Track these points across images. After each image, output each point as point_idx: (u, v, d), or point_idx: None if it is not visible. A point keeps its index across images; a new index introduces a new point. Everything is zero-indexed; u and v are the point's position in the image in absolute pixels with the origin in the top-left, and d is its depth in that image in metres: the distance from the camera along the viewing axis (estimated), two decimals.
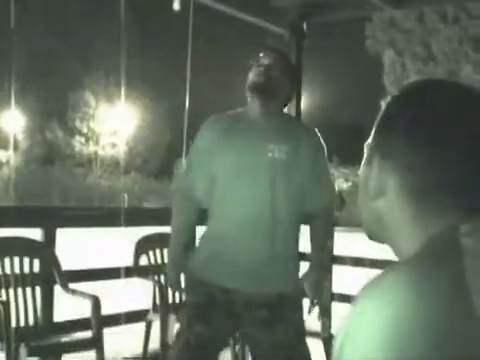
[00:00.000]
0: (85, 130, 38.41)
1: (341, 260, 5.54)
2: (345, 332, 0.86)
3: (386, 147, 0.99)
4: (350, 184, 28.76)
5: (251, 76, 2.88)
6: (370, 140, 1.05)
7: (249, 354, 3.38)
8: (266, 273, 2.83)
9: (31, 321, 3.97)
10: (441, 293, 0.83)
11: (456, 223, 0.92)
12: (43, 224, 4.36)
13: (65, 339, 3.99)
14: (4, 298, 3.78)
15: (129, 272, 4.64)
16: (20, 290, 3.93)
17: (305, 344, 2.94)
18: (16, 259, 3.95)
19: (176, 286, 3.16)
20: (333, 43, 37.15)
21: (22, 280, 3.96)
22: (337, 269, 5.52)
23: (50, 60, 37.44)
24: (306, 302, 2.99)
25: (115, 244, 10.70)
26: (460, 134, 0.95)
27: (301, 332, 2.94)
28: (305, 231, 3.08)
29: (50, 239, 4.34)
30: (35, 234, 4.26)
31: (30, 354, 3.63)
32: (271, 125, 2.89)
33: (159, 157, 39.15)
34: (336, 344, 0.87)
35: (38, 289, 4.07)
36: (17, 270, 3.95)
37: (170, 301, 4.52)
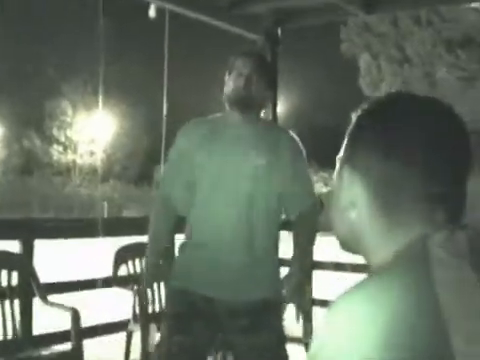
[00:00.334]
0: (63, 138, 38.20)
1: (321, 265, 5.56)
2: (318, 343, 0.87)
3: (356, 160, 1.00)
4: (329, 188, 28.83)
5: (230, 87, 2.86)
6: (341, 152, 1.05)
7: None
8: (247, 280, 2.82)
9: (10, 334, 3.93)
10: (411, 309, 0.84)
11: (427, 234, 0.93)
12: (21, 236, 4.32)
13: (45, 352, 3.95)
14: None
15: (108, 282, 4.62)
16: None
17: (285, 350, 2.94)
18: None
19: (147, 294, 3.15)
20: (309, 47, 37.30)
21: (0, 293, 3.92)
22: (317, 274, 5.53)
23: (26, 68, 37.20)
24: (291, 308, 2.98)
25: (94, 254, 10.65)
26: (430, 147, 0.96)
27: (282, 338, 2.94)
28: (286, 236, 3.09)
29: (28, 251, 4.31)
30: (13, 246, 4.23)
31: None
32: (251, 132, 2.88)
33: (138, 164, 39.04)
34: (309, 354, 0.88)
35: (16, 302, 4.04)
36: None
37: (150, 311, 4.51)
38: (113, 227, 5.12)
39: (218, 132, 2.91)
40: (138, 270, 4.66)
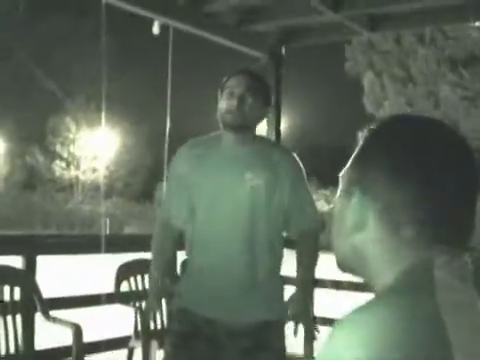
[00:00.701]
0: (66, 155, 38.23)
1: (323, 283, 5.54)
2: None
3: (366, 182, 1.00)
4: (331, 206, 28.76)
5: (223, 107, 2.81)
6: (348, 172, 1.05)
7: None
8: (248, 302, 2.81)
9: (12, 349, 3.92)
10: (416, 331, 0.84)
11: (431, 256, 0.93)
12: (23, 251, 4.33)
13: None
14: None
15: (110, 299, 4.61)
16: (0, 318, 3.89)
17: None
18: None
19: (155, 309, 3.15)
20: (312, 65, 37.42)
21: (2, 308, 3.92)
22: (319, 292, 5.51)
23: (30, 85, 37.32)
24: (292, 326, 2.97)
25: (96, 271, 10.62)
26: (442, 169, 0.96)
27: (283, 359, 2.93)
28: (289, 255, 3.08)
29: (31, 267, 4.31)
30: (16, 262, 4.23)
31: None
32: (247, 152, 2.85)
33: (140, 181, 39.05)
34: None
35: (19, 317, 4.03)
36: None
37: (152, 327, 4.50)
38: (115, 243, 5.12)
39: (213, 153, 2.88)
40: (140, 287, 4.65)
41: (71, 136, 38.12)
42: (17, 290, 4.01)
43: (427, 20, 5.55)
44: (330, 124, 41.44)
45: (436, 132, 1.01)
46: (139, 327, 4.48)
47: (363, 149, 1.03)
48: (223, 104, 2.81)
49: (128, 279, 4.63)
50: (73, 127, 38.02)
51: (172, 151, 3.09)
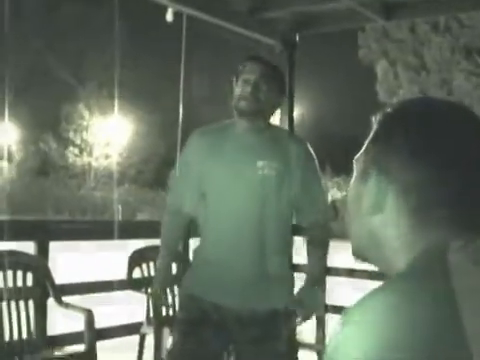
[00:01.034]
0: (79, 141, 38.35)
1: (335, 271, 5.53)
2: (332, 348, 0.86)
3: (384, 163, 0.99)
4: (344, 193, 28.79)
5: (237, 94, 2.80)
6: (363, 156, 1.04)
7: None
8: (257, 290, 2.81)
9: (24, 335, 3.95)
10: (429, 315, 0.83)
11: (447, 239, 0.92)
12: (36, 237, 4.35)
13: (58, 353, 3.97)
14: None
15: (123, 285, 4.63)
16: (13, 304, 3.92)
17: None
18: (9, 272, 3.94)
19: (159, 299, 3.16)
20: (326, 53, 37.25)
21: (15, 294, 3.94)
22: (331, 280, 5.51)
23: (44, 72, 37.40)
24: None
25: (109, 257, 10.67)
26: (460, 151, 0.96)
27: (293, 348, 2.93)
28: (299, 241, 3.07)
29: (43, 252, 4.33)
30: (28, 247, 4.24)
31: None
32: (260, 141, 2.84)
33: (153, 168, 39.10)
34: None
35: (31, 303, 4.05)
36: (10, 284, 3.94)
37: (164, 314, 4.51)
38: (128, 230, 5.13)
39: (225, 140, 2.87)
40: (152, 273, 4.66)
41: (84, 123, 38.22)
42: (30, 276, 4.03)
43: (443, 8, 5.50)
44: (343, 112, 41.30)
45: (453, 114, 1.00)
46: (151, 313, 4.50)
47: (379, 132, 1.03)
48: (237, 91, 2.80)
49: (140, 265, 4.65)
50: (86, 114, 38.10)
51: (185, 139, 3.09)
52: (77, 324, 4.09)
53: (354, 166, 1.06)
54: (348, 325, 0.86)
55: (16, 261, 3.98)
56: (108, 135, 37.40)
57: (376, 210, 0.99)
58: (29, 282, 4.04)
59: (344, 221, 1.08)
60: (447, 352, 0.80)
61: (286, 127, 5.46)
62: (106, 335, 4.68)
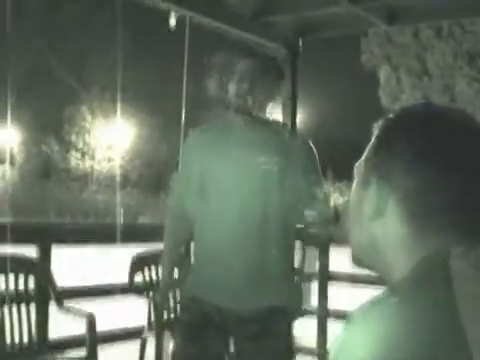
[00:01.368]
0: (81, 144, 38.38)
1: (337, 276, 5.53)
2: (335, 352, 0.86)
3: (385, 169, 0.99)
4: (346, 198, 28.79)
5: (233, 91, 2.79)
6: (364, 161, 1.04)
7: None
8: (257, 288, 2.80)
9: (25, 338, 3.94)
10: (431, 320, 0.83)
11: (448, 246, 0.92)
12: (38, 240, 4.34)
13: (60, 357, 3.97)
14: None
15: (124, 289, 4.62)
16: (15, 307, 3.91)
17: (294, 358, 2.94)
18: (11, 276, 3.93)
19: (162, 303, 3.16)
20: (328, 58, 37.31)
21: (17, 297, 3.94)
22: (333, 285, 5.51)
23: (46, 75, 37.45)
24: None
25: (110, 261, 10.67)
26: (461, 158, 0.96)
27: (291, 345, 2.92)
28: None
29: (45, 256, 4.33)
30: (30, 251, 4.24)
31: None
32: (260, 136, 2.83)
33: (155, 172, 39.09)
34: None
35: (32, 306, 4.05)
36: (12, 287, 3.94)
37: (165, 318, 4.50)
38: (130, 234, 5.13)
39: (224, 138, 2.87)
40: (154, 277, 4.66)
41: (87, 126, 38.25)
42: (31, 279, 4.03)
43: (446, 13, 5.50)
44: (345, 117, 41.37)
45: (454, 120, 1.00)
46: (152, 318, 4.49)
47: (381, 138, 1.03)
48: (232, 88, 2.80)
49: (142, 270, 4.64)
50: (89, 117, 38.14)
51: (185, 140, 3.09)
52: (78, 328, 4.08)
53: (355, 172, 1.06)
54: (351, 329, 0.86)
55: (18, 264, 3.97)
56: (110, 138, 37.43)
57: (377, 216, 0.99)
58: (31, 285, 4.03)
59: (345, 226, 1.08)
60: (448, 357, 0.80)
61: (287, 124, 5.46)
62: (107, 339, 4.67)
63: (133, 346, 4.74)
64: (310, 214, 2.92)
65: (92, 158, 38.45)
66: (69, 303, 4.14)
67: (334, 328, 5.25)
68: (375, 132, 1.04)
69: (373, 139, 1.04)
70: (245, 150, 2.81)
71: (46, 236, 4.48)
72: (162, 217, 3.30)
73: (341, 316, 5.26)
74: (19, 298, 3.95)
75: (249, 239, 2.79)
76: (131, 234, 5.18)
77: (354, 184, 1.06)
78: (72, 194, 34.49)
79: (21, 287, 3.98)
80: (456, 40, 22.54)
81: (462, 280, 0.86)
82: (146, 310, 4.54)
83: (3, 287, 3.90)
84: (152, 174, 39.12)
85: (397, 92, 24.59)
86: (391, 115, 1.04)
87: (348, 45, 23.69)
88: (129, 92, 30.15)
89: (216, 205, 2.85)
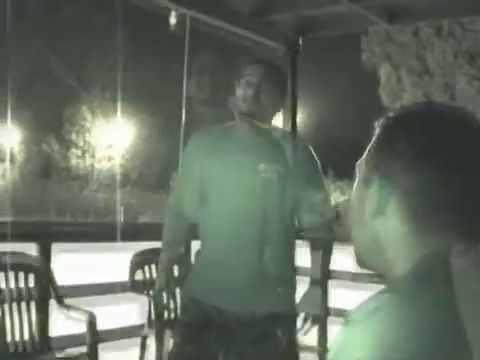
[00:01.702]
0: (81, 143, 38.37)
1: (338, 275, 5.53)
2: (335, 351, 0.87)
3: (386, 168, 0.99)
4: (346, 197, 28.77)
5: (239, 96, 2.80)
6: (366, 160, 1.04)
7: None
8: (259, 292, 2.80)
9: (26, 336, 3.95)
10: (431, 318, 0.83)
11: (449, 244, 0.92)
12: (38, 239, 4.35)
13: (60, 355, 3.97)
14: None
15: (124, 287, 4.63)
16: (15, 305, 3.92)
17: None
18: (11, 274, 3.94)
19: (161, 302, 3.15)
20: (329, 57, 37.24)
21: (17, 295, 3.94)
22: (334, 283, 5.51)
23: (47, 74, 37.44)
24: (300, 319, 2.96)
25: (111, 259, 10.66)
26: (462, 156, 0.96)
27: (293, 350, 2.92)
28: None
29: (45, 254, 4.33)
30: (30, 249, 4.24)
31: None
32: (262, 143, 2.84)
33: (155, 171, 39.09)
34: None
35: (33, 304, 4.05)
36: (12, 285, 3.94)
37: (165, 316, 4.51)
38: (130, 232, 5.13)
39: (226, 142, 2.87)
40: (154, 275, 4.66)
41: (87, 125, 38.24)
42: (31, 277, 4.03)
43: (446, 12, 5.50)
44: (346, 116, 41.30)
45: (456, 119, 1.00)
46: (152, 316, 4.49)
47: (382, 136, 1.03)
48: (240, 93, 2.80)
49: (142, 268, 4.64)
50: (89, 116, 38.13)
51: (187, 142, 3.09)
52: (79, 326, 4.09)
53: (357, 170, 1.06)
54: (351, 327, 0.86)
55: (18, 262, 3.98)
56: (111, 137, 37.42)
57: (378, 215, 1.00)
58: (31, 284, 4.03)
59: (347, 225, 1.08)
60: (448, 355, 0.80)
61: (289, 130, 5.46)
62: (108, 337, 4.68)
63: (134, 344, 4.75)
64: (311, 220, 2.93)
65: (92, 157, 38.44)
66: (69, 301, 4.15)
67: (334, 326, 5.25)
68: (376, 131, 1.04)
69: (374, 137, 1.04)
70: (246, 156, 2.81)
71: (46, 234, 4.48)
72: (162, 216, 3.30)
73: (341, 314, 5.26)
74: (19, 296, 3.95)
75: (249, 243, 2.79)
76: (131, 233, 5.19)
77: (355, 182, 1.06)
78: (72, 193, 34.48)
79: (21, 285, 3.99)
80: (456, 39, 22.54)
81: (462, 278, 0.86)
82: (146, 308, 4.55)
83: (4, 285, 3.90)
84: (152, 173, 39.12)
85: (398, 91, 24.58)
86: (392, 114, 1.04)
87: (349, 44, 23.67)
88: (129, 92, 30.14)
89: (216, 209, 2.85)
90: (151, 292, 4.55)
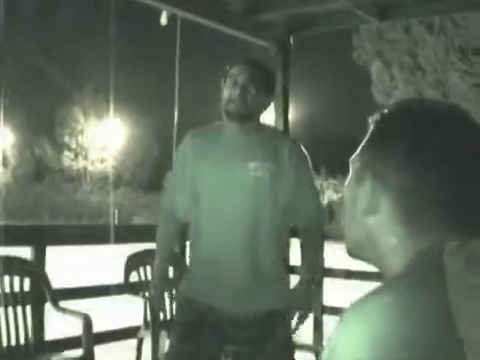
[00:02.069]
0: (74, 145, 38.32)
1: (332, 273, 5.54)
2: (329, 350, 0.87)
3: (379, 165, 0.99)
4: (340, 195, 28.79)
5: (226, 96, 2.79)
6: (358, 157, 1.04)
7: None
8: (253, 292, 2.80)
9: (22, 340, 3.94)
10: (424, 315, 0.83)
11: (442, 240, 0.92)
12: (33, 242, 4.34)
13: (56, 358, 3.96)
14: None
15: (120, 289, 4.62)
16: (10, 309, 3.91)
17: None
18: (6, 278, 3.93)
19: (157, 304, 3.15)
20: (320, 54, 37.30)
21: (12, 299, 3.93)
22: (328, 282, 5.51)
23: (38, 76, 37.38)
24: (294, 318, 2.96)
25: (105, 261, 10.66)
26: (455, 155, 0.95)
27: (289, 349, 2.92)
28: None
29: (40, 257, 4.32)
30: (25, 252, 4.23)
31: None
32: (252, 142, 2.84)
33: (148, 171, 39.09)
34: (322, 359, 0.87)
35: (28, 308, 4.04)
36: (7, 289, 3.93)
37: (161, 318, 4.50)
38: (124, 234, 5.12)
39: (216, 143, 2.87)
40: (149, 277, 4.66)
41: (79, 127, 38.21)
42: (27, 281, 4.02)
43: (437, 9, 5.51)
44: (338, 114, 41.39)
45: (448, 115, 1.00)
46: (148, 317, 4.49)
47: (374, 133, 1.02)
48: (226, 93, 2.80)
49: (137, 269, 4.64)
50: (81, 118, 38.09)
51: (180, 142, 3.09)
52: (75, 329, 4.08)
53: (350, 167, 1.06)
54: (345, 326, 0.86)
55: (13, 266, 3.97)
56: (103, 139, 37.38)
57: (371, 212, 0.99)
58: (26, 287, 4.03)
59: (340, 223, 1.08)
60: (441, 352, 0.80)
61: (281, 129, 5.46)
62: (104, 339, 4.67)
63: (130, 346, 4.74)
64: (301, 219, 2.94)
65: (85, 159, 38.40)
66: (65, 304, 4.14)
67: (330, 324, 5.25)
68: (369, 127, 1.04)
69: (367, 134, 1.04)
70: (235, 155, 2.82)
71: (41, 238, 4.47)
72: (156, 217, 3.30)
73: (336, 312, 5.27)
74: (15, 300, 3.94)
75: (242, 243, 2.79)
76: (125, 234, 5.18)
77: (348, 179, 1.06)
78: (66, 195, 34.43)
79: (17, 289, 3.98)
80: (448, 35, 22.57)
81: (455, 275, 0.86)
82: (142, 310, 4.54)
83: None
84: (145, 174, 39.11)
85: (390, 88, 24.60)
86: (384, 111, 1.04)
87: (340, 41, 23.69)
88: (122, 93, 30.11)
89: (209, 209, 2.85)
90: (147, 294, 4.55)
